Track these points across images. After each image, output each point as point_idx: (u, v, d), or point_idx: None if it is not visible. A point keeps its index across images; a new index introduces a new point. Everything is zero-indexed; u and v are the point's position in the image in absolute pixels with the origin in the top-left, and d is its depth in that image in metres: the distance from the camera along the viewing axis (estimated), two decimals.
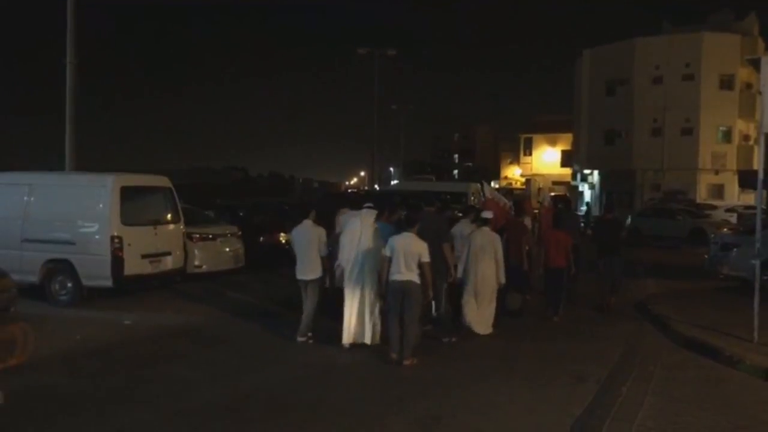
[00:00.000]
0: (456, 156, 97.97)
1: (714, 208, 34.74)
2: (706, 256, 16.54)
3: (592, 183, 54.86)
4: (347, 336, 9.07)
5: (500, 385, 7.72)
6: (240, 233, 15.25)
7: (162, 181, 13.12)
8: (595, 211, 47.40)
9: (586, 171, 55.19)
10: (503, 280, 10.28)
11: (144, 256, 11.89)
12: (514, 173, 79.68)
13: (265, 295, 13.08)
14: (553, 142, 69.91)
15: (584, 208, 45.56)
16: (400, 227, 8.90)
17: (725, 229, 24.74)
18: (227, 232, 15.10)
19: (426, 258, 8.43)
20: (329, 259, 9.63)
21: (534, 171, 70.47)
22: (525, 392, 7.51)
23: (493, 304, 10.30)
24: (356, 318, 9.08)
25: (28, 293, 10.80)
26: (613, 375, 8.31)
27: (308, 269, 9.48)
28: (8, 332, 5.35)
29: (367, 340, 9.07)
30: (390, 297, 8.59)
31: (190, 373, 7.88)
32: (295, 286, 9.85)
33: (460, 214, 11.55)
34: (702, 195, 44.73)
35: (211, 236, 14.50)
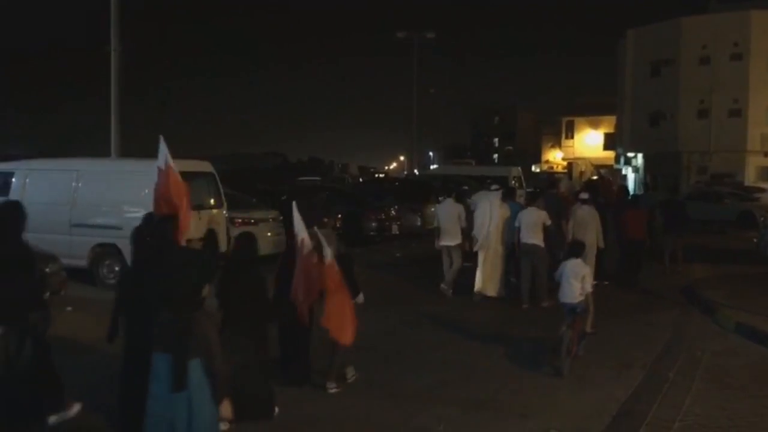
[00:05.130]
0: (496, 140, 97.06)
1: (763, 191, 33.77)
2: (755, 240, 16.12)
3: (636, 166, 53.83)
4: (478, 287, 11.44)
5: (544, 370, 7.67)
6: (281, 218, 15.38)
7: (205, 166, 13.27)
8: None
9: (630, 154, 54.16)
10: (602, 245, 12.05)
11: (188, 241, 12.04)
12: (555, 157, 78.62)
13: None
14: (595, 125, 68.71)
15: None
16: (527, 203, 11.67)
17: None
18: (269, 216, 15.23)
19: (548, 222, 10.98)
20: (467, 229, 11.74)
21: (576, 154, 69.44)
22: (568, 377, 7.44)
23: (592, 266, 11.85)
24: (485, 275, 11.36)
25: (78, 276, 11.06)
26: (660, 360, 8.19)
27: (450, 237, 11.76)
28: None
29: (493, 293, 11.42)
30: (522, 257, 11.00)
31: None
32: None
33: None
34: (750, 178, 43.51)
35: (253, 221, 14.64)
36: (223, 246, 12.91)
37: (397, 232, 19.62)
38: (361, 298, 7.17)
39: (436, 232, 12.13)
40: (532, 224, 10.88)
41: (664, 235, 14.73)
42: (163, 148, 6.67)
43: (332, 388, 6.63)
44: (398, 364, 7.74)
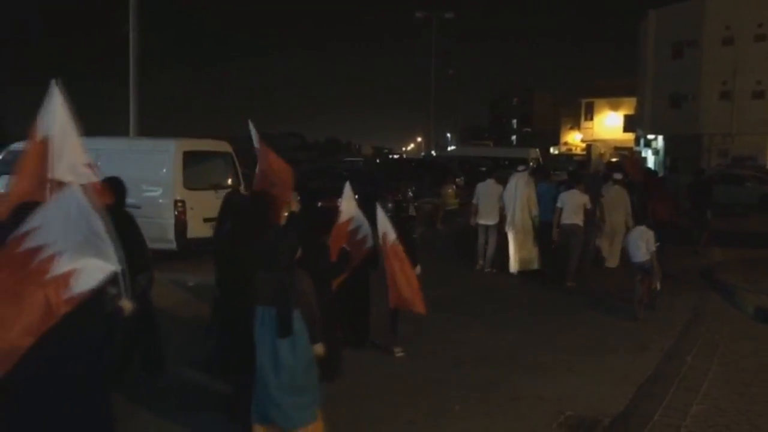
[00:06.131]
0: (514, 121, 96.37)
1: None
2: None
3: (656, 148, 53.25)
4: (513, 268, 12.12)
5: (560, 353, 7.65)
6: (298, 198, 15.35)
7: (222, 146, 13.29)
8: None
9: (650, 136, 53.56)
10: (630, 225, 12.17)
11: (206, 220, 12.09)
12: (574, 139, 77.87)
13: None
14: (615, 107, 67.90)
15: None
16: (566, 185, 12.08)
17: None
18: None
19: (589, 205, 11.53)
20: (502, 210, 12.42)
21: (595, 136, 68.74)
22: (585, 360, 7.43)
23: (620, 244, 12.39)
24: (517, 253, 12.06)
25: None
26: (678, 344, 8.13)
27: (489, 216, 12.49)
28: None
29: (528, 267, 12.06)
30: (560, 237, 11.45)
31: None
32: None
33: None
34: None
35: None
36: None
37: (414, 214, 19.58)
38: (419, 269, 7.54)
39: (473, 210, 12.93)
40: (575, 206, 11.39)
41: (691, 211, 15.50)
42: (253, 132, 7.20)
43: (399, 353, 7.38)
44: (415, 345, 7.73)
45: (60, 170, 5.36)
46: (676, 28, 47.90)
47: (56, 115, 5.27)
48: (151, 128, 18.38)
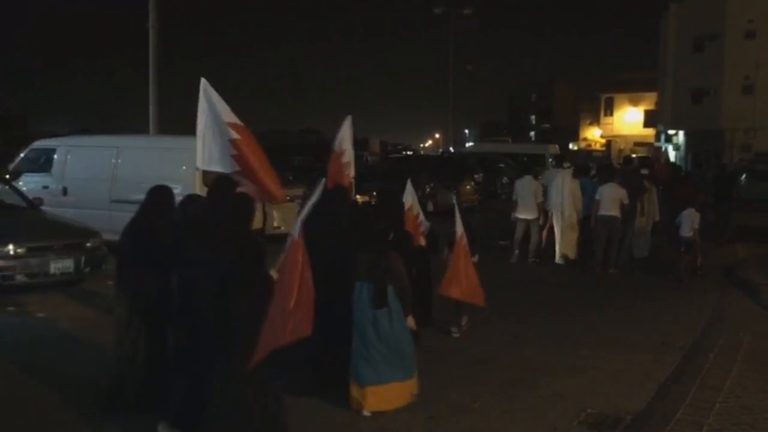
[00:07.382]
0: (533, 117, 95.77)
1: None
2: None
3: (677, 144, 52.73)
4: (559, 256, 12.72)
5: (581, 349, 7.60)
6: None
7: None
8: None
9: (671, 131, 53.02)
10: (657, 218, 13.50)
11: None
12: (593, 134, 77.33)
13: None
14: (635, 102, 67.28)
15: None
16: (601, 180, 12.57)
17: None
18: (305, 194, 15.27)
19: (626, 200, 12.08)
20: (543, 204, 13.05)
21: (615, 132, 68.23)
22: (607, 357, 7.37)
23: (649, 236, 13.49)
24: (563, 243, 12.62)
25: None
26: (700, 342, 8.04)
27: (528, 211, 13.05)
28: None
29: (573, 256, 12.69)
30: (599, 227, 12.06)
31: None
32: None
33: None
34: None
35: (289, 198, 14.67)
36: (259, 223, 13.00)
37: (432, 209, 19.57)
38: (476, 258, 7.98)
39: (513, 205, 13.61)
40: (612, 199, 12.00)
41: (715, 203, 16.15)
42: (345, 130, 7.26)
43: (455, 333, 7.91)
44: (439, 341, 7.71)
45: (203, 161, 5.73)
46: (697, 22, 47.33)
47: (203, 109, 5.81)
48: (170, 124, 18.51)
